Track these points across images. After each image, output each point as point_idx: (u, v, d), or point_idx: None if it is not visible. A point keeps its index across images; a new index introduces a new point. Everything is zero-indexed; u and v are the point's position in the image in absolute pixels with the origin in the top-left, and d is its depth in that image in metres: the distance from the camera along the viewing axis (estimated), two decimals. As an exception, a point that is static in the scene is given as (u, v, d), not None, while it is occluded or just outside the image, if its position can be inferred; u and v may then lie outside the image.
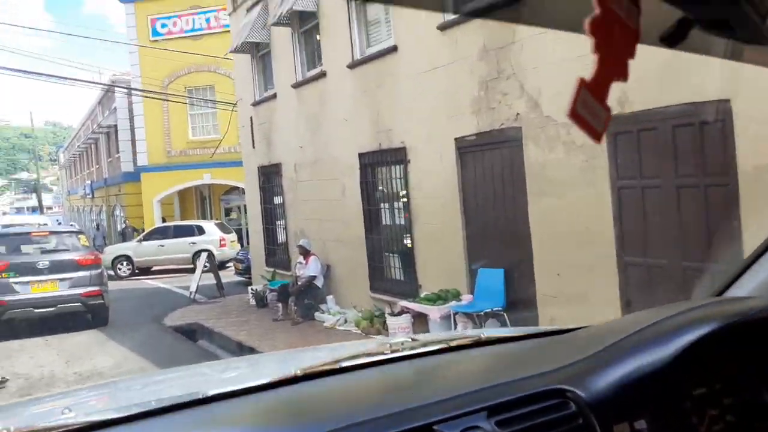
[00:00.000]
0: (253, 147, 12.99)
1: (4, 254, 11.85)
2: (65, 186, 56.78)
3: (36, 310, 11.28)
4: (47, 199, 71.86)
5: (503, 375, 1.37)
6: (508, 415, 1.18)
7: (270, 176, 12.57)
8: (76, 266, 11.78)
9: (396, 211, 8.64)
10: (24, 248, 12.40)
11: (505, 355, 1.69)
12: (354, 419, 1.16)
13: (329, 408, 1.37)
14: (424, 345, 1.75)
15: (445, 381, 1.54)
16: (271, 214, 12.83)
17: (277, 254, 12.65)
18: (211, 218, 24.97)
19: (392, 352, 1.64)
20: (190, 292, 14.72)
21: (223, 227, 22.15)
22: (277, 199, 12.40)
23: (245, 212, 27.01)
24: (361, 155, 9.02)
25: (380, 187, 8.99)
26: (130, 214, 27.49)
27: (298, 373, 1.44)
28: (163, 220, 24.12)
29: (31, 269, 11.44)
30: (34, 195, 70.32)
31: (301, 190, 11.09)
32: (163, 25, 23.30)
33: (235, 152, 23.10)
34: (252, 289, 12.78)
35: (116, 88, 26.50)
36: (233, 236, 22.29)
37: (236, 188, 25.68)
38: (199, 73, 23.12)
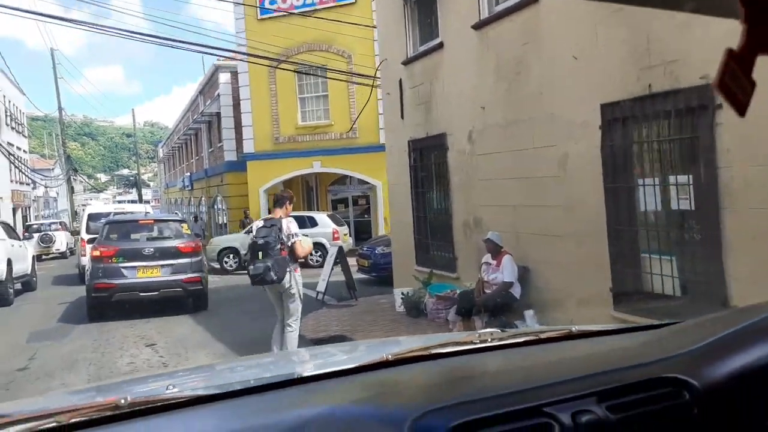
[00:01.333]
0: (402, 117, 10.18)
1: (114, 240, 11.71)
2: (163, 180, 56.58)
3: (141, 294, 11.25)
4: (146, 194, 72.49)
5: (608, 364, 1.35)
6: (619, 400, 1.15)
7: (427, 151, 9.72)
8: (178, 253, 11.60)
9: (673, 190, 5.54)
10: (131, 235, 12.12)
11: (604, 346, 1.62)
12: (454, 399, 1.15)
13: (425, 390, 1.36)
14: (514, 337, 1.72)
15: (546, 368, 1.45)
16: (424, 200, 9.99)
17: (432, 250, 9.78)
18: (317, 210, 22.57)
19: (481, 342, 1.60)
20: (318, 293, 12.12)
21: (335, 219, 19.62)
22: (437, 181, 9.55)
23: (353, 203, 24.64)
24: (605, 107, 5.97)
25: (642, 152, 5.91)
26: (232, 205, 25.50)
27: (390, 357, 1.44)
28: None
29: (137, 255, 11.39)
30: (133, 189, 71.68)
31: (479, 166, 8.16)
32: (273, 1, 21.00)
33: (347, 138, 20.58)
34: (402, 293, 9.96)
35: (220, 73, 24.56)
36: (345, 229, 19.73)
37: (345, 178, 23.21)
38: (310, 52, 20.69)
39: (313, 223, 19.07)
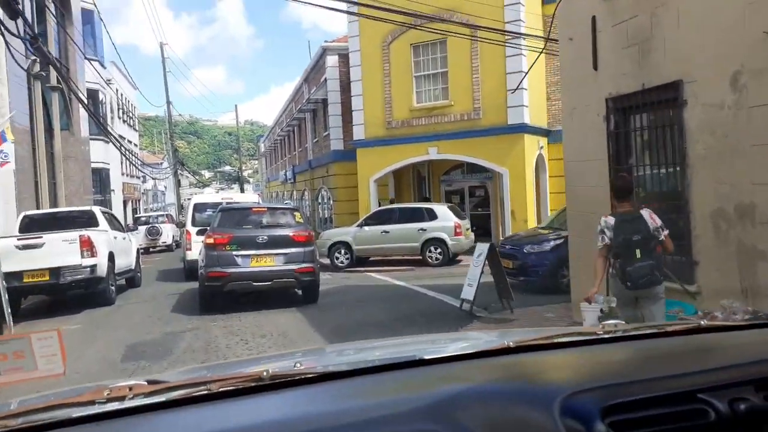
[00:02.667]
0: (595, 67, 7.34)
1: (228, 228, 10.58)
2: (264, 174, 56.07)
3: (254, 284, 10.35)
4: (247, 189, 72.88)
5: (761, 354, 1.29)
6: None
7: (640, 111, 6.84)
8: (291, 242, 10.51)
9: None
10: (245, 223, 10.85)
11: (743, 339, 1.52)
12: (604, 381, 1.13)
13: (571, 372, 1.33)
14: (639, 329, 1.65)
15: (696, 355, 1.41)
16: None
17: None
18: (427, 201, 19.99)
19: (606, 333, 1.54)
20: (462, 301, 9.52)
21: (455, 211, 16.95)
22: (659, 152, 6.66)
23: (469, 195, 21.91)
24: None
25: None
26: (339, 196, 23.40)
27: (511, 344, 1.41)
28: (378, 204, 19.55)
29: (251, 243, 10.36)
30: (236, 185, 72.26)
31: (753, 124, 5.24)
32: (387, -29, 18.54)
33: (468, 119, 17.82)
34: (589, 306, 7.15)
35: (328, 56, 22.45)
36: (467, 223, 17.03)
37: (459, 166, 20.49)
38: (428, 24, 18.06)
39: (431, 215, 16.52)
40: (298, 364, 1.37)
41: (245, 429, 1.09)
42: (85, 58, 24.86)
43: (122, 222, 15.17)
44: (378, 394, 1.23)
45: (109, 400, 1.20)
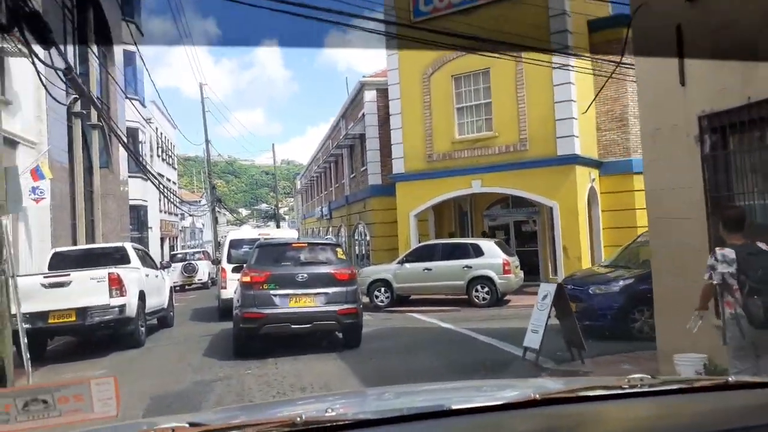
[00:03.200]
0: (682, 82, 6.34)
1: (266, 265, 9.65)
2: (300, 211, 55.79)
3: (293, 326, 9.31)
4: (283, 225, 72.79)
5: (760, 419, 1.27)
6: None
7: (740, 130, 5.80)
8: (333, 281, 9.57)
9: None
10: (284, 260, 9.93)
11: (760, 401, 1.47)
12: None
13: (582, 429, 1.35)
14: (664, 384, 1.62)
15: (692, 420, 1.38)
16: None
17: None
18: (471, 237, 18.93)
19: (630, 387, 1.52)
20: (526, 349, 8.42)
21: (503, 248, 15.85)
22: (761, 179, 5.59)
23: (515, 231, 20.78)
24: None
25: None
26: (377, 232, 22.54)
27: (537, 397, 1.41)
28: (419, 240, 18.58)
29: (290, 282, 9.45)
30: (272, 222, 72.31)
31: None
32: (428, 2, 18.02)
33: (514, 151, 16.85)
34: (704, 364, 5.96)
35: (366, 90, 21.91)
36: (516, 260, 15.89)
37: (504, 200, 19.45)
38: (469, 55, 17.36)
39: (478, 252, 15.45)
40: (330, 410, 1.40)
41: None
42: (126, 97, 24.88)
43: (156, 259, 14.49)
44: None
45: None
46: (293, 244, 10.08)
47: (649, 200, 7.46)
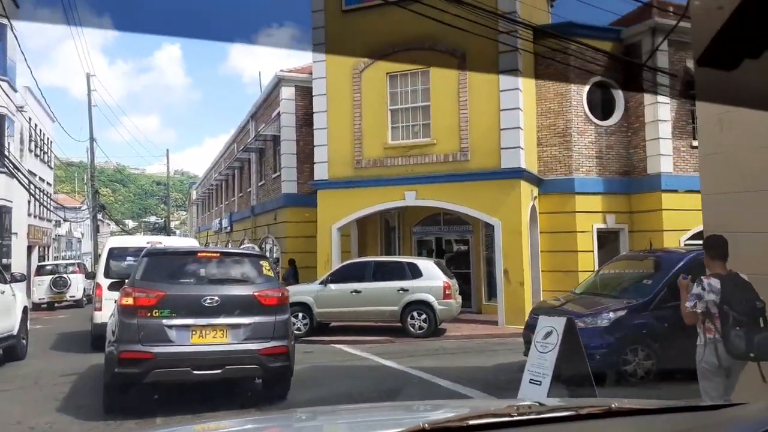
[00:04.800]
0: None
1: (157, 282, 6.57)
2: (194, 224, 51.24)
3: (195, 372, 6.31)
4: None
5: None
6: None
7: None
8: (255, 307, 6.65)
9: None
10: (184, 275, 6.85)
11: (647, 427, 1.51)
12: None
13: None
14: (552, 411, 1.62)
15: None
16: None
17: None
18: (397, 255, 16.70)
19: (519, 414, 1.50)
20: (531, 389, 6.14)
21: (443, 268, 13.70)
22: None
23: (444, 251, 18.72)
24: None
25: None
26: (289, 247, 19.74)
27: (426, 427, 1.36)
28: (360, 255, 16.08)
29: (192, 307, 6.42)
30: (161, 235, 66.53)
31: None
32: (362, -12, 15.81)
33: (453, 161, 14.85)
34: None
35: (283, 86, 19.26)
36: (455, 283, 13.79)
37: (435, 217, 17.45)
38: (407, 52, 15.29)
39: (415, 273, 13.19)
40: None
41: None
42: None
43: (20, 269, 10.93)
44: None
45: None
46: (199, 254, 7.02)
47: (707, 207, 5.53)
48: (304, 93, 19.35)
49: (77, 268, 23.90)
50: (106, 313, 9.56)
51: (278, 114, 19.80)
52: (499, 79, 14.29)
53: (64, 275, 22.47)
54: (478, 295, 16.88)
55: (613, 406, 1.59)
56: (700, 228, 15.57)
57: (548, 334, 6.32)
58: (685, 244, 14.90)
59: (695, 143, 15.89)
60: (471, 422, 1.42)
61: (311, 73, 18.59)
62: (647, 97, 15.70)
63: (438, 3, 14.82)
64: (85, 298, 22.44)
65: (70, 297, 22.36)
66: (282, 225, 20.23)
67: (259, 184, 23.71)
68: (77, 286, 22.49)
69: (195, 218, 51.07)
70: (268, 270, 6.96)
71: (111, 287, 10.52)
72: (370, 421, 1.86)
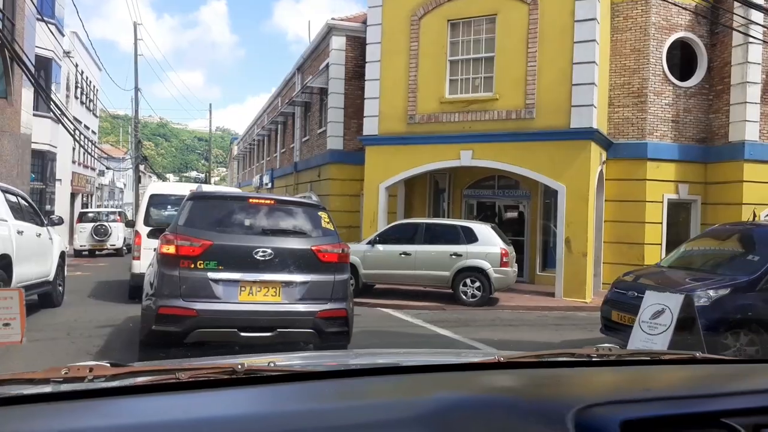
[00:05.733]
0: None
1: (202, 229, 5.56)
2: (234, 180, 51.03)
3: (243, 334, 5.38)
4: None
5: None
6: None
7: None
8: (314, 263, 5.71)
9: None
10: (232, 224, 5.82)
11: (726, 373, 1.45)
12: (622, 396, 1.08)
13: (582, 387, 1.25)
14: (633, 355, 1.61)
15: (717, 381, 1.33)
16: None
17: None
18: (446, 218, 15.65)
19: (599, 356, 1.46)
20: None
21: (501, 235, 12.65)
22: None
23: (498, 216, 17.60)
24: None
25: None
26: (333, 205, 18.89)
27: (501, 359, 1.37)
28: (387, 219, 15.16)
29: (242, 260, 5.48)
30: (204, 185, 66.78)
31: None
32: (427, -75, 14.41)
33: (517, 119, 13.60)
34: None
35: (333, 36, 18.12)
36: (512, 250, 12.73)
37: (490, 178, 16.31)
38: (472, -3, 13.97)
39: (470, 237, 12.18)
40: (273, 364, 1.29)
41: (215, 421, 0.97)
42: (39, 18, 19.94)
43: (41, 211, 10.35)
44: (363, 396, 1.15)
45: (67, 380, 1.13)
46: (250, 200, 6.04)
47: None
48: (356, 43, 18.19)
49: (118, 217, 23.64)
50: (145, 262, 8.89)
51: (327, 65, 18.71)
52: (574, 28, 12.88)
53: (105, 224, 22.21)
54: (532, 264, 15.80)
55: (697, 355, 1.53)
56: (785, 202, 14.13)
57: (658, 313, 5.28)
58: (766, 218, 13.49)
59: (787, 109, 14.29)
60: (546, 359, 1.37)
61: (365, 22, 17.43)
62: (735, 57, 14.05)
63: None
64: (125, 248, 22.20)
65: (111, 246, 22.14)
66: (326, 182, 19.35)
67: (304, 139, 22.81)
68: (118, 234, 22.23)
69: (236, 174, 50.83)
70: (328, 222, 6.03)
71: (150, 235, 9.83)
72: (432, 360, 1.77)
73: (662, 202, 14.68)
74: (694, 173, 14.84)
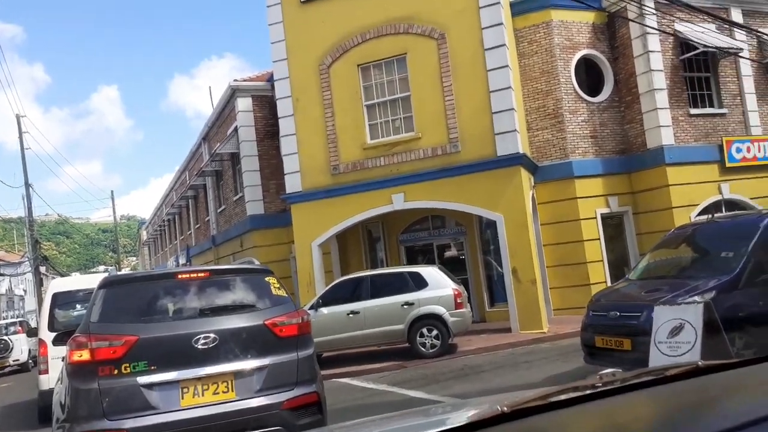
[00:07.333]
0: None
1: (123, 322, 4.30)
2: (147, 266, 48.01)
3: None
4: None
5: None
6: None
7: None
8: (270, 341, 4.59)
9: None
10: (159, 310, 4.56)
11: (732, 382, 1.42)
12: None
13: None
14: (638, 377, 1.48)
15: (669, 409, 1.27)
16: None
17: None
18: (385, 266, 14.76)
19: (604, 385, 1.38)
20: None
21: (448, 274, 11.91)
22: None
23: (438, 255, 16.81)
24: None
25: None
26: (262, 275, 17.59)
27: (506, 410, 1.22)
28: (323, 278, 14.09)
29: (180, 353, 4.30)
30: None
31: None
32: (321, -25, 14.07)
33: (443, 154, 13.18)
34: None
35: (239, 98, 17.29)
36: (464, 290, 12.02)
37: (423, 219, 15.72)
38: (379, 39, 13.63)
39: (419, 283, 11.36)
40: None
41: None
42: None
43: None
44: None
45: None
46: (179, 276, 4.80)
47: None
48: (263, 102, 17.44)
49: (20, 327, 20.96)
50: (54, 375, 7.35)
51: (235, 129, 17.76)
52: (485, 57, 12.76)
53: (5, 337, 19.57)
54: (480, 301, 15.16)
55: (700, 364, 1.51)
56: (711, 200, 14.43)
57: (677, 330, 4.61)
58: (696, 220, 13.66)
59: (694, 111, 14.79)
60: (553, 399, 1.29)
61: (270, 79, 16.76)
62: (639, 67, 14.47)
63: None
64: (31, 361, 19.59)
65: (14, 361, 19.46)
66: (250, 251, 18.07)
67: (219, 210, 21.46)
68: (21, 347, 19.61)
69: (147, 260, 47.86)
70: (279, 288, 4.96)
71: (57, 341, 8.28)
72: (426, 422, 1.60)
73: (596, 217, 14.60)
74: (621, 185, 14.94)
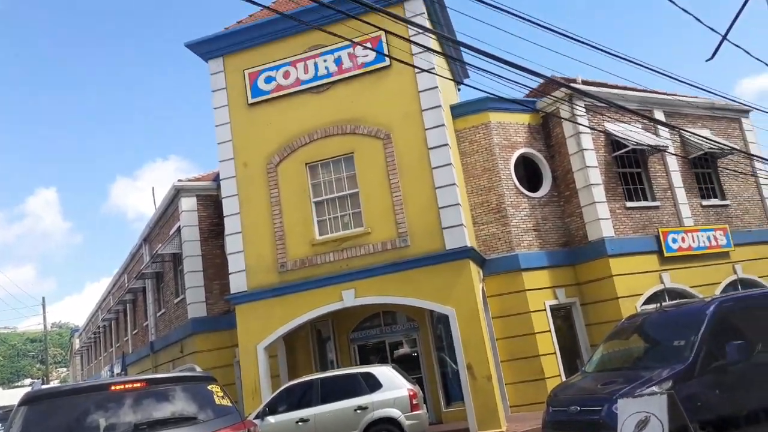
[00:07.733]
0: None
1: None
2: (79, 377, 44.74)
3: None
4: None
5: None
6: None
7: None
8: None
9: None
10: (92, 428, 3.93)
11: None
12: None
13: None
14: None
15: None
16: None
17: None
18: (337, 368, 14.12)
19: None
20: None
21: (402, 373, 11.48)
22: None
23: (389, 353, 16.22)
24: None
25: None
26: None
27: None
28: (270, 383, 13.35)
29: None
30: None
31: None
32: (269, 79, 14.43)
33: (392, 249, 13.17)
34: None
35: (183, 197, 17.04)
36: (419, 390, 11.58)
37: (374, 316, 15.41)
38: (327, 139, 13.89)
39: (372, 385, 10.91)
40: None
41: None
42: None
43: None
44: None
45: None
46: (112, 387, 4.36)
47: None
48: (208, 201, 17.21)
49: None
50: None
51: (178, 229, 17.32)
52: (430, 156, 13.13)
53: None
54: (435, 400, 14.60)
55: None
56: (654, 290, 14.78)
57: (642, 423, 4.44)
58: (642, 309, 13.91)
59: (629, 204, 15.48)
60: None
61: (215, 179, 16.68)
62: (575, 164, 15.20)
63: (355, 87, 13.85)
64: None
65: None
66: (191, 357, 17.08)
67: (159, 313, 20.44)
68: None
69: (79, 371, 44.68)
70: (222, 397, 4.56)
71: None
72: None
73: (545, 309, 14.66)
74: (567, 276, 15.18)
